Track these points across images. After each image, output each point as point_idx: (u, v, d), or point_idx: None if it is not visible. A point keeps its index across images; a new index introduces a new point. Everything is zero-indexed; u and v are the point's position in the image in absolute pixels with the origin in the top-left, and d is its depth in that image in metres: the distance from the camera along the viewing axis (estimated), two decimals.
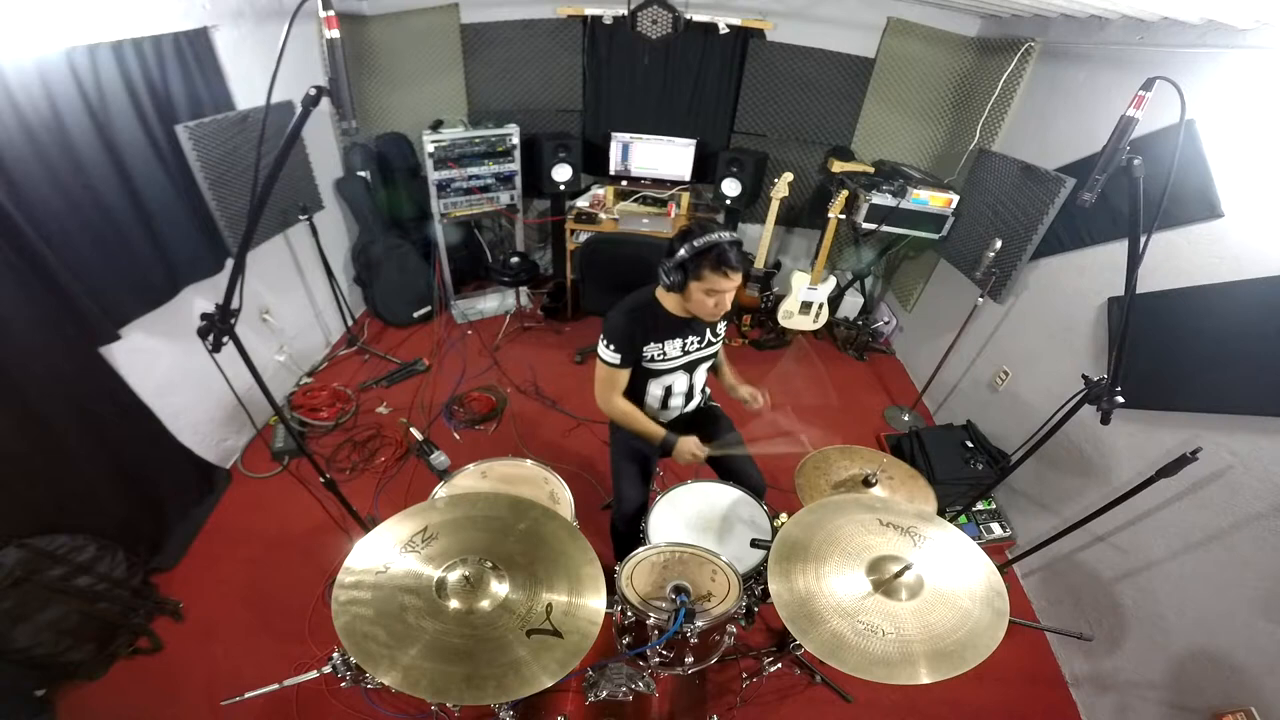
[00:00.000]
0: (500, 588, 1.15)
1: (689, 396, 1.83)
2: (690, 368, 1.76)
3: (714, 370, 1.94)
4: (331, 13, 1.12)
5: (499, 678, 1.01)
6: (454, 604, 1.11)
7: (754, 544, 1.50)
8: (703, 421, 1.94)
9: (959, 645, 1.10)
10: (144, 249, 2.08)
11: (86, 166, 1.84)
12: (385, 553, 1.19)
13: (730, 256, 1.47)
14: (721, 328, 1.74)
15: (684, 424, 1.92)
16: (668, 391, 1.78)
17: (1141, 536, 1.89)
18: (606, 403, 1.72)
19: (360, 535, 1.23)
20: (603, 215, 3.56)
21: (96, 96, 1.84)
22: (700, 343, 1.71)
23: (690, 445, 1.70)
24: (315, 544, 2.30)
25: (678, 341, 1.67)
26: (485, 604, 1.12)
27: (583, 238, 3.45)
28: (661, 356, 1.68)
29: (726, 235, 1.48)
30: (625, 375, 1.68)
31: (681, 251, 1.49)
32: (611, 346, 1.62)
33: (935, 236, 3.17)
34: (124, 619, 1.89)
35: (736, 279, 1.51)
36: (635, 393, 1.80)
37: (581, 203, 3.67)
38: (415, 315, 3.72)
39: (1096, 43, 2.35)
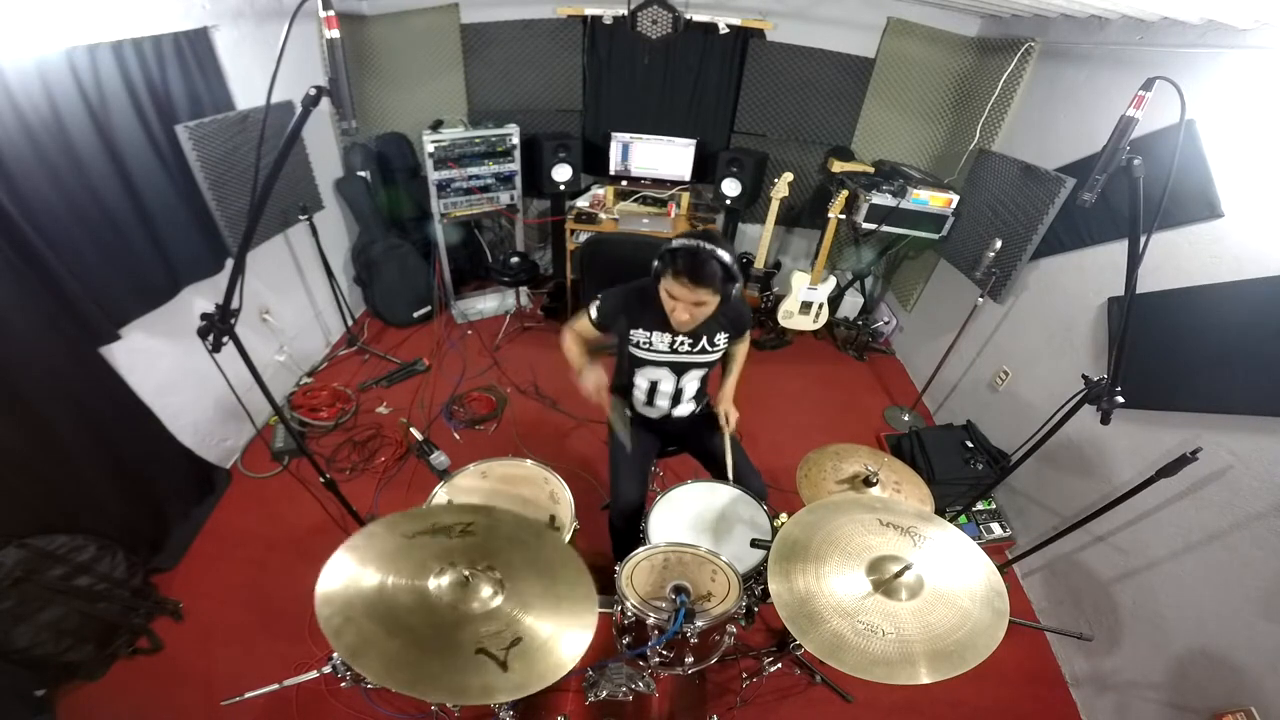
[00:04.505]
0: (494, 599, 1.12)
1: (676, 400, 1.82)
2: (679, 369, 1.75)
3: (724, 373, 1.92)
4: (331, 13, 1.12)
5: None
6: (462, 605, 1.10)
7: (754, 544, 1.50)
8: (702, 426, 1.94)
9: (959, 645, 1.10)
10: (144, 249, 2.08)
11: (86, 166, 1.84)
12: (382, 552, 1.19)
13: (686, 264, 1.42)
14: (721, 339, 1.72)
15: (682, 427, 1.92)
16: (653, 387, 1.79)
17: (1141, 536, 1.89)
18: (566, 334, 1.77)
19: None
20: (603, 215, 3.55)
21: (96, 96, 1.84)
22: (693, 347, 1.70)
23: (594, 379, 1.66)
24: (315, 544, 2.30)
25: (666, 336, 1.67)
26: (475, 606, 1.10)
27: (583, 238, 3.45)
28: (647, 344, 1.68)
29: (707, 247, 1.43)
30: (592, 332, 1.73)
31: (665, 245, 1.50)
32: (598, 303, 1.69)
33: (935, 236, 3.17)
34: (124, 619, 1.88)
35: (692, 293, 1.46)
36: (625, 381, 1.83)
37: (581, 203, 3.67)
38: (415, 315, 3.72)
39: (1096, 43, 2.35)
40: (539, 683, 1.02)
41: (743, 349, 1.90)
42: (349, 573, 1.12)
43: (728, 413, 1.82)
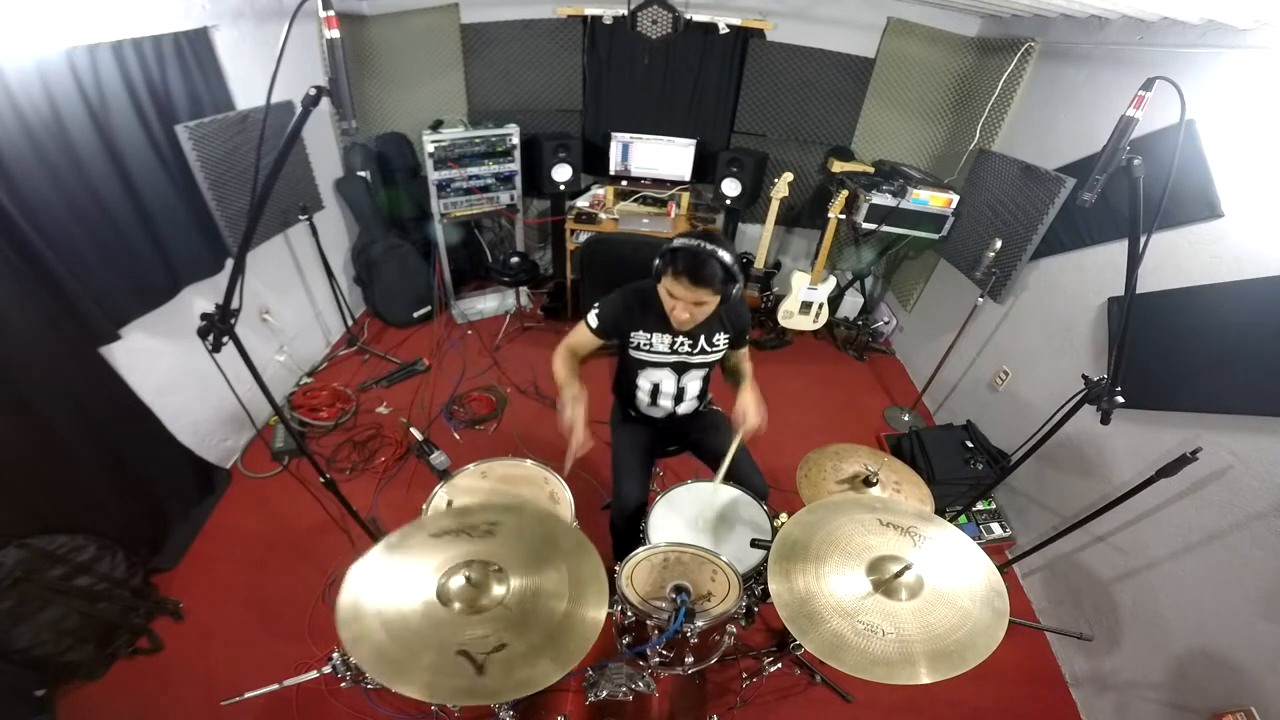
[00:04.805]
0: (495, 602, 1.12)
1: (679, 399, 1.82)
2: (679, 369, 1.75)
3: (731, 379, 1.89)
4: (331, 13, 1.12)
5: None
6: (457, 606, 1.10)
7: (754, 544, 1.50)
8: (701, 426, 1.94)
9: (959, 645, 1.10)
10: (144, 249, 2.08)
11: (86, 166, 1.84)
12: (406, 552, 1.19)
13: (687, 264, 1.42)
14: (720, 339, 1.71)
15: (681, 426, 1.92)
16: (656, 388, 1.78)
17: (1141, 536, 1.89)
18: (558, 352, 1.73)
19: (360, 535, 1.23)
20: (603, 215, 3.55)
21: (96, 96, 1.84)
22: (693, 348, 1.70)
23: (571, 414, 1.55)
24: (315, 544, 2.30)
25: (666, 337, 1.67)
26: (474, 608, 1.11)
27: (583, 238, 3.45)
28: (648, 346, 1.69)
29: (707, 248, 1.42)
30: (593, 343, 1.71)
31: (666, 244, 1.50)
32: (596, 310, 1.67)
33: (935, 236, 3.17)
34: (124, 619, 1.89)
35: (692, 293, 1.45)
36: (627, 383, 1.82)
37: (581, 203, 3.67)
38: (415, 315, 3.72)
39: (1096, 43, 2.35)
40: (519, 689, 1.00)
41: (747, 365, 1.85)
42: (374, 574, 1.14)
43: (746, 410, 1.63)
